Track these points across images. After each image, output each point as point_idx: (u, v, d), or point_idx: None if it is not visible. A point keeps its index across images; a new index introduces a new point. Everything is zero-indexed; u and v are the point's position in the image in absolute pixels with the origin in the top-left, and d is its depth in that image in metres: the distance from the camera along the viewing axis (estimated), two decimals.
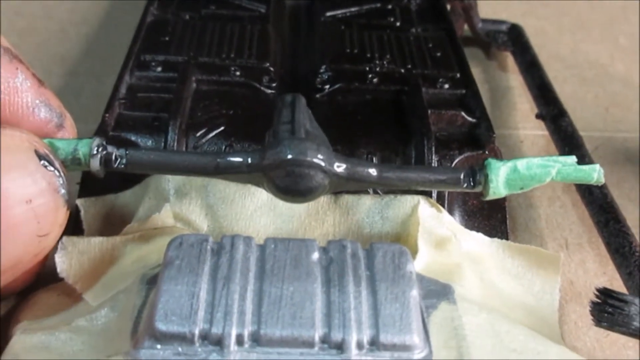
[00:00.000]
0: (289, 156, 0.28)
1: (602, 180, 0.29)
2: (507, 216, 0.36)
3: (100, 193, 0.34)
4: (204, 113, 0.36)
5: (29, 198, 0.26)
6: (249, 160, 0.29)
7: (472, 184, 0.30)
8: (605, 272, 0.37)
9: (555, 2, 0.63)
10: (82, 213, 0.34)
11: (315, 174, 0.28)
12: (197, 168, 0.29)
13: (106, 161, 0.29)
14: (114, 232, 0.32)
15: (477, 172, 0.30)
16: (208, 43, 0.41)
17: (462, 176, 0.30)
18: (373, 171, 0.29)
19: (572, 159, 0.29)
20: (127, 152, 0.29)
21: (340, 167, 0.29)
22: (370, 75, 0.39)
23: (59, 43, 0.53)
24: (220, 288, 0.25)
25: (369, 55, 0.41)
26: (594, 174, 0.29)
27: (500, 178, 0.29)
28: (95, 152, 0.29)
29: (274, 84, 0.39)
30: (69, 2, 0.57)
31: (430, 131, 0.35)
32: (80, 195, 0.34)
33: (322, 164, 0.28)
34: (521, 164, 0.29)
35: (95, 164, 0.29)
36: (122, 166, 0.29)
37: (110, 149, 0.29)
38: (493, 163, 0.29)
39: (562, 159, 0.29)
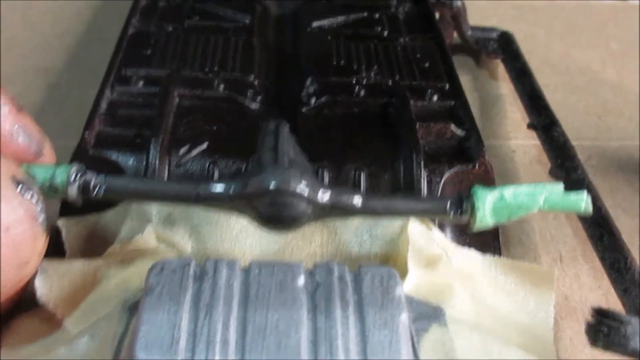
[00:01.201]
0: (272, 185, 0.27)
1: (590, 209, 0.29)
2: (500, 231, 0.35)
3: (82, 212, 0.33)
4: (187, 129, 0.35)
5: (7, 226, 0.25)
6: (231, 189, 0.28)
7: (459, 213, 0.29)
8: (600, 286, 0.36)
9: (545, 7, 0.63)
10: (63, 233, 0.33)
11: (299, 203, 0.27)
12: (178, 197, 0.29)
13: (84, 189, 0.29)
14: (97, 253, 0.32)
15: (464, 201, 0.29)
16: (191, 56, 0.40)
17: (448, 205, 0.29)
18: (358, 200, 0.29)
19: (560, 186, 0.29)
20: (106, 179, 0.29)
21: (324, 196, 0.28)
22: (357, 88, 0.39)
23: (42, 55, 0.52)
24: (202, 316, 0.24)
25: (355, 66, 0.40)
26: (582, 203, 0.29)
27: (487, 207, 0.29)
28: (72, 179, 0.28)
29: (258, 98, 0.38)
30: (52, 13, 0.56)
31: (419, 145, 0.34)
32: (61, 215, 0.33)
33: (306, 193, 0.27)
34: (508, 192, 0.29)
35: (72, 192, 0.28)
36: (101, 194, 0.29)
37: (88, 176, 0.29)
38: (479, 191, 0.29)
39: (550, 186, 0.29)
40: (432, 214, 0.30)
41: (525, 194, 0.29)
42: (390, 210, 0.29)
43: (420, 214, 0.30)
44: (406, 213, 0.30)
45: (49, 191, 0.28)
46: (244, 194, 0.28)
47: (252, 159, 0.29)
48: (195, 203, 0.29)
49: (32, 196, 0.26)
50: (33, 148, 0.29)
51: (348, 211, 0.29)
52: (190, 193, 0.28)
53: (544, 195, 0.29)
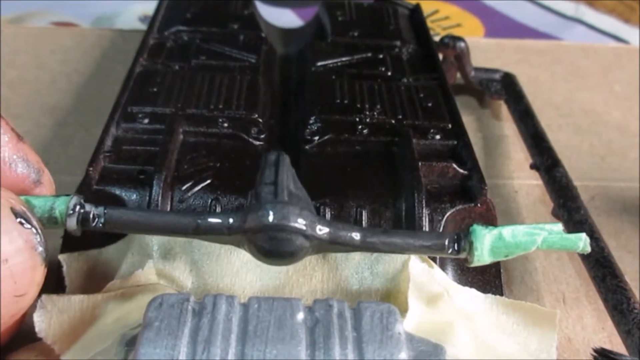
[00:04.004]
0: (271, 221, 0.27)
1: (588, 249, 0.29)
2: (502, 270, 0.35)
3: (84, 248, 0.33)
4: (190, 166, 0.36)
5: (5, 257, 0.25)
6: (230, 222, 0.28)
7: (456, 250, 0.29)
8: (604, 327, 0.35)
9: (549, 50, 0.63)
10: (64, 269, 0.33)
11: (297, 238, 0.28)
12: (177, 229, 0.29)
13: (83, 220, 0.29)
14: (97, 288, 0.31)
15: (462, 239, 0.29)
16: (196, 94, 0.40)
17: (446, 242, 0.29)
18: (356, 236, 0.29)
19: (559, 226, 0.29)
20: (106, 211, 0.29)
21: (322, 232, 0.28)
22: (360, 126, 0.39)
23: (49, 93, 0.52)
24: (200, 351, 0.24)
25: (359, 105, 0.41)
26: (580, 243, 0.29)
27: (485, 246, 0.29)
28: (72, 210, 0.28)
29: (262, 136, 0.38)
30: (60, 53, 0.57)
31: (421, 184, 0.34)
32: (62, 250, 0.33)
33: (305, 229, 0.27)
34: (507, 231, 0.29)
35: (72, 223, 0.28)
36: (100, 225, 0.29)
37: (88, 207, 0.29)
38: (478, 230, 0.29)
39: (549, 226, 0.29)
40: (430, 251, 0.30)
41: (524, 233, 0.29)
42: (389, 246, 0.29)
43: (419, 250, 0.30)
44: (405, 249, 0.30)
45: (48, 222, 0.28)
46: (242, 229, 0.28)
47: (252, 193, 0.29)
48: (194, 235, 0.29)
49: (31, 227, 0.26)
50: (32, 177, 0.29)
51: (347, 246, 0.29)
52: (190, 225, 0.29)
53: (542, 235, 0.29)
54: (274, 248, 0.28)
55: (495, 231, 0.29)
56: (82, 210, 0.29)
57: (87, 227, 0.29)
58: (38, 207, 0.28)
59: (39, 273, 0.27)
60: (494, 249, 0.29)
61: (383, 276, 0.32)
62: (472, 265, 0.29)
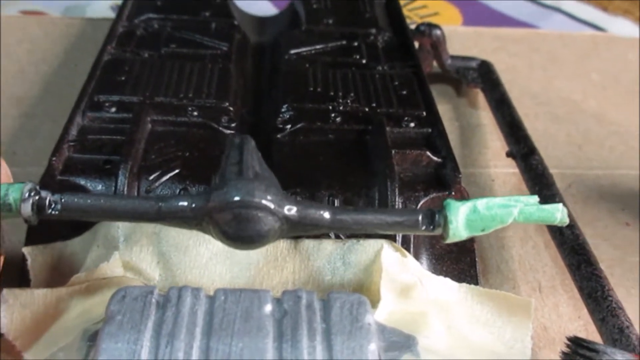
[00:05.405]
0: (236, 197, 0.26)
1: (566, 221, 0.28)
2: (477, 259, 0.34)
3: (49, 240, 0.32)
4: (158, 155, 0.35)
5: None
6: (194, 203, 0.27)
7: (431, 226, 0.28)
8: (580, 315, 0.35)
9: (526, 38, 0.63)
10: (29, 262, 0.32)
11: (264, 216, 0.26)
12: (138, 213, 0.28)
13: (39, 207, 0.28)
14: (63, 281, 0.31)
15: (436, 214, 0.28)
16: (166, 82, 0.40)
17: (420, 218, 0.28)
18: (326, 214, 0.28)
19: (534, 198, 0.28)
20: (62, 197, 0.28)
21: (290, 210, 0.27)
22: (333, 115, 0.38)
23: (17, 84, 0.51)
24: (163, 346, 0.23)
25: (332, 93, 0.40)
26: (557, 214, 0.28)
27: (460, 219, 0.28)
28: (26, 196, 0.27)
29: (233, 124, 0.38)
30: (28, 42, 0.56)
31: (394, 172, 0.33)
32: (27, 243, 0.32)
33: (271, 205, 0.26)
34: (481, 203, 0.28)
35: (26, 210, 0.27)
36: (57, 212, 0.28)
37: (43, 193, 0.28)
38: (452, 204, 0.28)
39: (524, 198, 0.28)
40: (403, 227, 0.29)
41: (499, 205, 0.28)
42: (361, 224, 0.28)
43: (392, 227, 0.29)
44: (377, 226, 0.29)
45: (2, 209, 0.27)
46: (207, 208, 0.27)
47: (216, 175, 0.28)
48: (157, 219, 0.28)
49: None
50: None
51: (317, 226, 0.28)
52: (152, 208, 0.27)
53: (518, 206, 0.28)
54: (240, 229, 0.27)
55: (469, 204, 0.28)
56: (37, 197, 0.28)
57: (43, 215, 0.28)
58: None
59: None
60: (470, 222, 0.28)
61: (356, 266, 0.31)
62: (448, 241, 0.28)
